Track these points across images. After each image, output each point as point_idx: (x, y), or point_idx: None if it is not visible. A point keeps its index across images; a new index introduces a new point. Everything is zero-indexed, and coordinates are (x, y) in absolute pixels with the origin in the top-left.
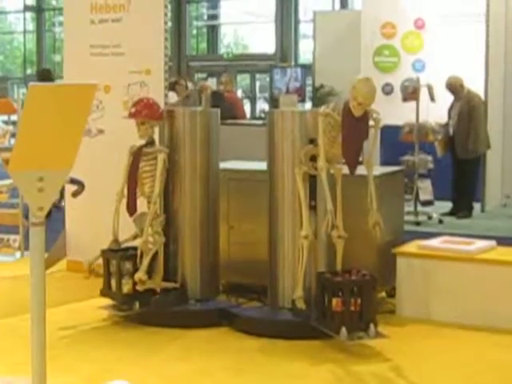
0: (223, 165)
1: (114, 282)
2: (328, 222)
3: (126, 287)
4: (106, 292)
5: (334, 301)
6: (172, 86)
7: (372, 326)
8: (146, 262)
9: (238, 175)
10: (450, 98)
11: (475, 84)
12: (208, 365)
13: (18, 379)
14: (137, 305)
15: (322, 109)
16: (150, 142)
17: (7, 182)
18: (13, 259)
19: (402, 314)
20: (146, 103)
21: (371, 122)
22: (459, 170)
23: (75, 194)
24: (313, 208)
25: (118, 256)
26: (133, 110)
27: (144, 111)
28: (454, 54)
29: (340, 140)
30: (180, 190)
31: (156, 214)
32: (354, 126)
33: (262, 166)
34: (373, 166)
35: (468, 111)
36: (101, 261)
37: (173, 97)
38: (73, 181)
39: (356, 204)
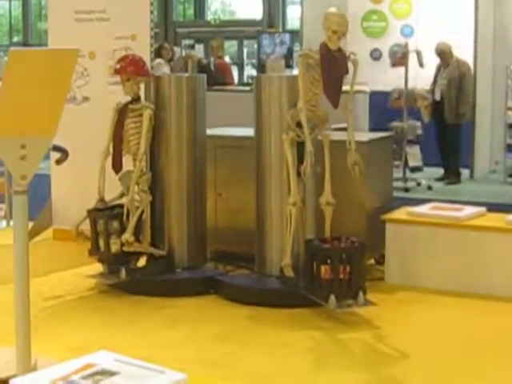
0: (210, 131)
1: (101, 242)
2: (307, 162)
3: (115, 247)
4: (94, 252)
5: (323, 268)
6: (158, 52)
7: (361, 293)
8: (132, 222)
9: (226, 142)
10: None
11: (463, 49)
12: (195, 333)
13: (3, 349)
14: (123, 273)
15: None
16: (136, 99)
17: None
18: None
19: (391, 281)
20: (132, 59)
21: (349, 64)
22: (445, 136)
23: (59, 162)
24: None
25: (105, 215)
26: (118, 66)
27: (129, 67)
28: (442, 19)
29: (320, 79)
30: (166, 150)
31: (142, 171)
32: (333, 60)
33: (250, 132)
34: (351, 106)
35: (459, 77)
36: (88, 224)
37: (161, 63)
38: (56, 148)
39: (345, 170)
